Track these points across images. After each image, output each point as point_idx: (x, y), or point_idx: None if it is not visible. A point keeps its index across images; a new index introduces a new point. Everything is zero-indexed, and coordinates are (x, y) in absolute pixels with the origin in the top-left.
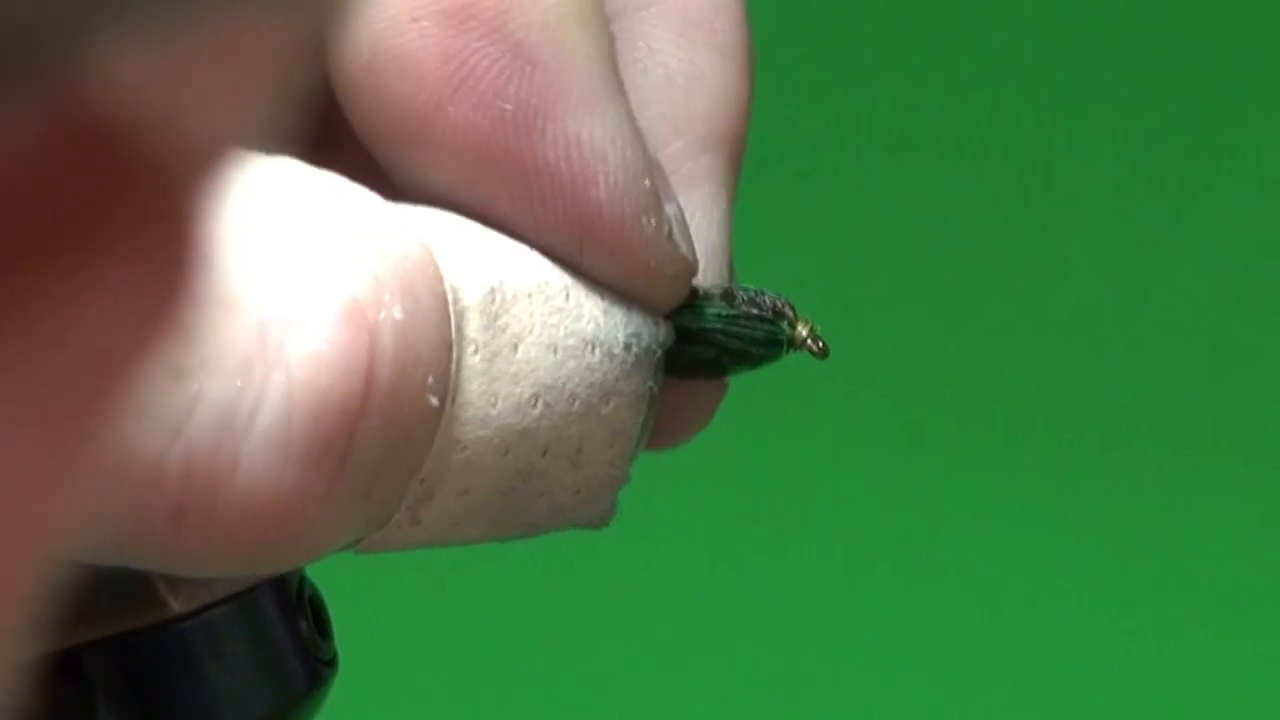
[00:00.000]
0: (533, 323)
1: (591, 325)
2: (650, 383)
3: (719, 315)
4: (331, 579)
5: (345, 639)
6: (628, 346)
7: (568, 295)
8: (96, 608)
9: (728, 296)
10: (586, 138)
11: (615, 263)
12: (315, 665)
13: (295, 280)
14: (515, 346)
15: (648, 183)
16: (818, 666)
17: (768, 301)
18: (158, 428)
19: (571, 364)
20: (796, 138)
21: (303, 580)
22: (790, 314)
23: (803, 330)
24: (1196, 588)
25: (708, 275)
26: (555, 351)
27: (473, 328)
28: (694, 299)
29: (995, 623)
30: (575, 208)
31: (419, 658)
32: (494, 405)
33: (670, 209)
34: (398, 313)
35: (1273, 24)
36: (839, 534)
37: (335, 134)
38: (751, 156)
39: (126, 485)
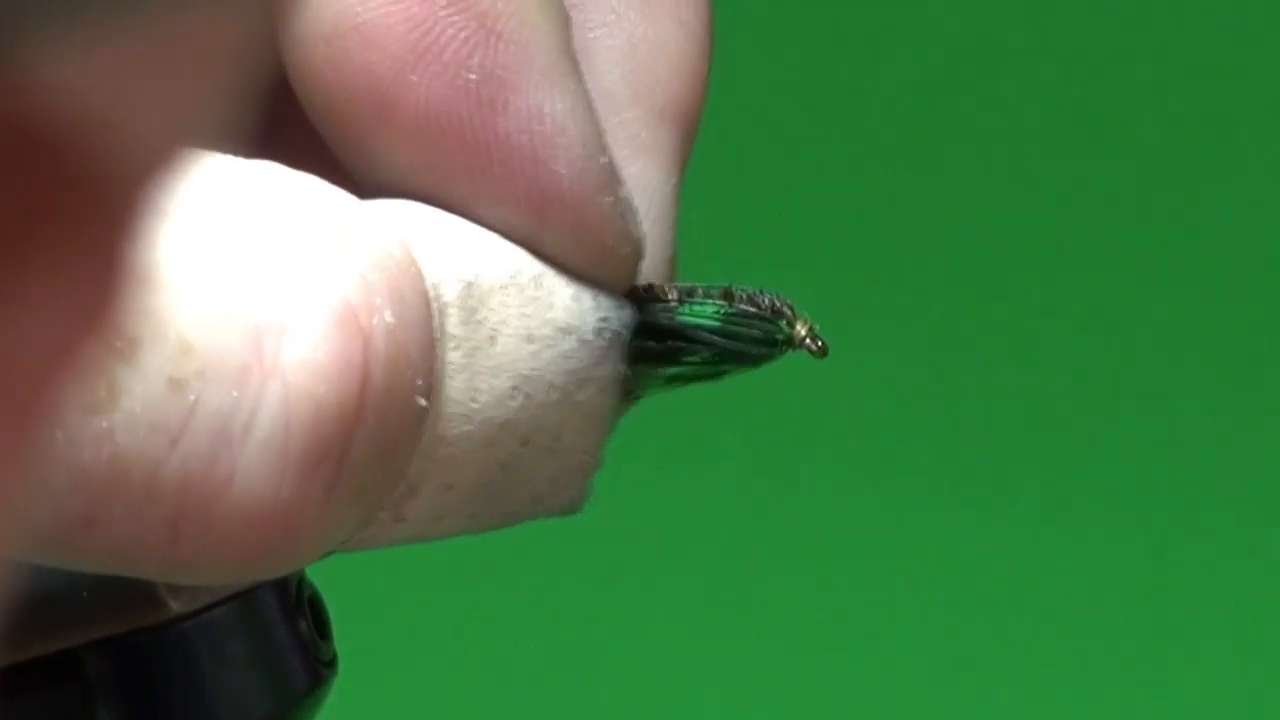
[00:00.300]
0: (508, 314)
1: (564, 313)
2: (621, 366)
3: (716, 314)
4: (331, 579)
5: (345, 639)
6: (599, 331)
7: (539, 283)
8: (96, 608)
9: (726, 295)
10: (548, 111)
11: (575, 239)
12: (315, 666)
13: (286, 286)
14: (493, 339)
15: (605, 159)
16: (817, 669)
17: (766, 301)
18: (154, 437)
19: (548, 353)
20: (795, 136)
21: (302, 581)
22: (789, 313)
23: (801, 329)
24: (1198, 590)
25: (655, 245)
26: (531, 341)
27: (452, 324)
28: (690, 297)
29: (994, 624)
30: (536, 182)
31: (419, 658)
32: (475, 400)
33: (623, 191)
34: (388, 315)
35: (1273, 24)
36: (837, 535)
37: (279, 135)
38: (751, 154)
39: (122, 495)
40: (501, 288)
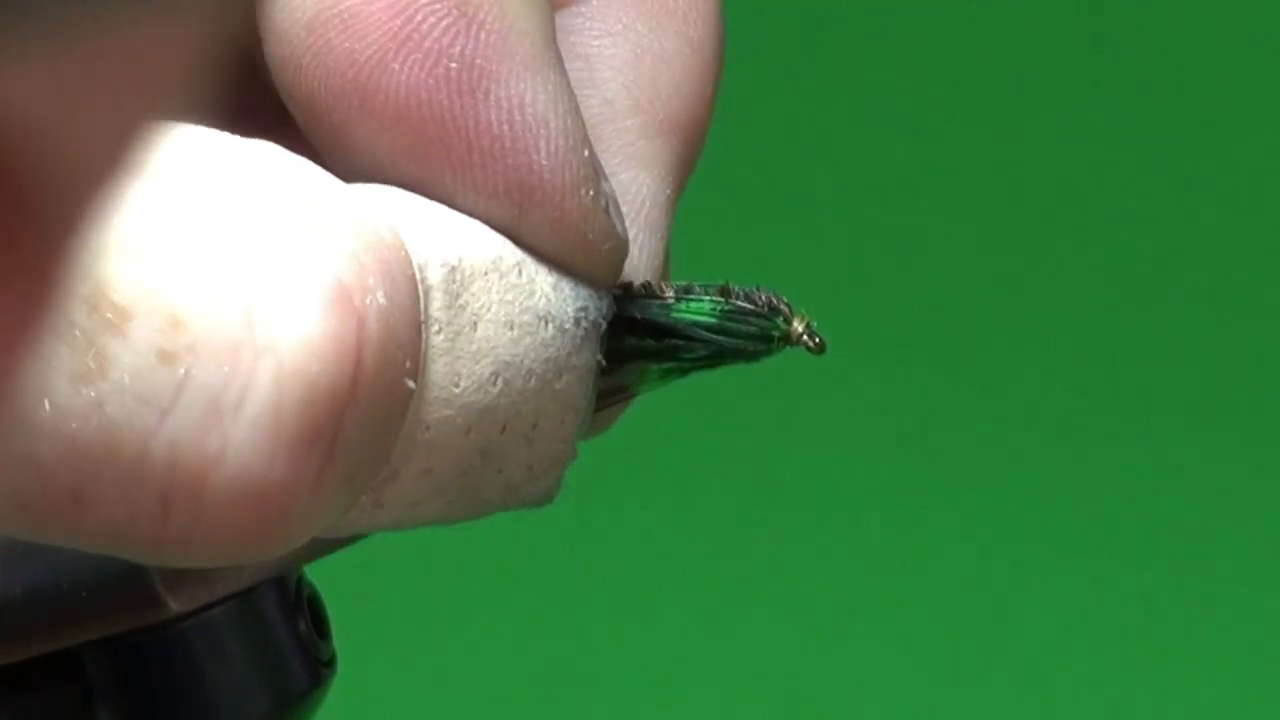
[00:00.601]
0: (490, 300)
1: (544, 301)
2: (598, 356)
3: (713, 311)
4: (331, 579)
5: (344, 639)
6: (577, 321)
7: (520, 271)
8: (96, 608)
9: (723, 292)
10: (529, 101)
11: (554, 231)
12: (314, 665)
13: (280, 263)
14: (475, 325)
15: (587, 153)
16: (817, 668)
17: (763, 298)
18: (143, 410)
19: (528, 340)
20: (796, 136)
21: (301, 580)
22: (786, 310)
23: (798, 326)
24: (1198, 589)
25: (644, 253)
26: (512, 328)
27: (436, 307)
28: (687, 295)
29: (993, 623)
30: (516, 172)
31: (419, 658)
32: (457, 384)
33: (606, 186)
34: (381, 297)
35: (1273, 24)
36: (833, 533)
37: (258, 131)
38: (751, 153)
39: (111, 469)
40: (484, 273)
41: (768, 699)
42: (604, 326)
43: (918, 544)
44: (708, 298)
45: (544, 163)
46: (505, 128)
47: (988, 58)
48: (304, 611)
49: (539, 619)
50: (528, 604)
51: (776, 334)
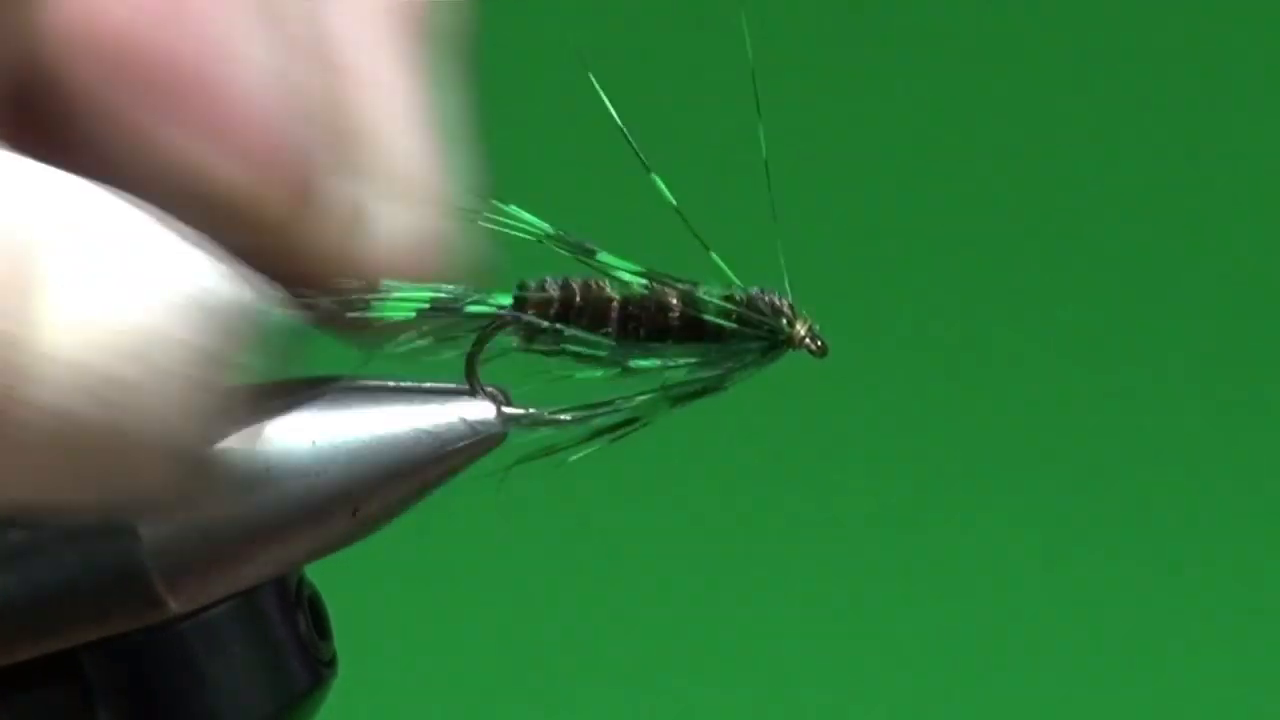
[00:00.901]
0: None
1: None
2: (227, 349)
3: (717, 313)
4: (331, 579)
5: (345, 639)
6: (191, 307)
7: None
8: (96, 608)
9: (727, 295)
10: (247, 48)
11: (244, 171)
12: (315, 665)
13: None
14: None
15: (320, 127)
16: (817, 669)
17: (766, 300)
18: None
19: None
20: (800, 139)
21: (302, 581)
22: (789, 313)
23: (801, 329)
24: (1199, 588)
25: (410, 153)
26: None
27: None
28: (692, 296)
29: (992, 622)
30: (222, 111)
31: (419, 658)
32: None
33: (350, 187)
34: None
35: (1273, 24)
36: (833, 534)
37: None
38: (753, 156)
39: None
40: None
41: (769, 699)
42: (256, 324)
43: (917, 546)
44: (714, 299)
45: (254, 104)
46: (217, 66)
47: (987, 63)
48: (304, 611)
49: (538, 619)
50: (527, 605)
51: (780, 337)
